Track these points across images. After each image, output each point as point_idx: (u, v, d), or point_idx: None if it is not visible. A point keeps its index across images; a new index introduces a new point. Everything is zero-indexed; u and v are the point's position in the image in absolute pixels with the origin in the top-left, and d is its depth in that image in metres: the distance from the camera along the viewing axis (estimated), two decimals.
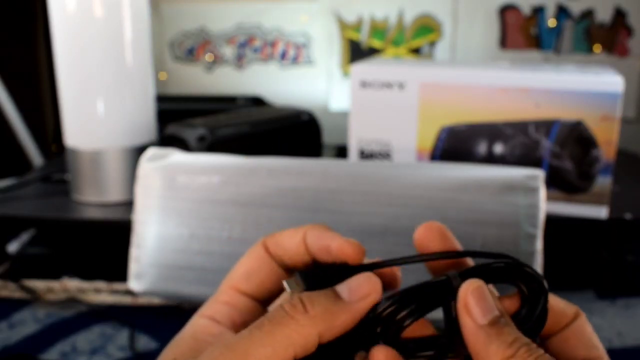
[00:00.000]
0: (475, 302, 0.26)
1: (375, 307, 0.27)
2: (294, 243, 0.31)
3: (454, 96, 0.69)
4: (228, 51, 1.16)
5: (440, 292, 0.27)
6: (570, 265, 0.80)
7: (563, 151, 0.67)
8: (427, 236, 0.30)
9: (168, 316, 0.68)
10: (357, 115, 0.72)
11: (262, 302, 0.32)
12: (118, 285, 0.72)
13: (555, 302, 0.29)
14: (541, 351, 0.25)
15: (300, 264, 0.31)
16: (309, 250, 0.30)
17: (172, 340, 0.30)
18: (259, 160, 0.60)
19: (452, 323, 0.27)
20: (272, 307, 0.30)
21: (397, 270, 0.30)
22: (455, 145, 0.70)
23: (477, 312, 0.26)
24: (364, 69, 0.71)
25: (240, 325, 0.30)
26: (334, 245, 0.29)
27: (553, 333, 0.29)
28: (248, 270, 0.31)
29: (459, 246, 0.31)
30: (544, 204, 0.53)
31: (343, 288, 0.27)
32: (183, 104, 1.08)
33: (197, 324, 0.30)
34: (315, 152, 0.89)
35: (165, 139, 0.77)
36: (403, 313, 0.27)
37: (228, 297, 0.31)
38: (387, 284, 0.30)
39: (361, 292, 0.27)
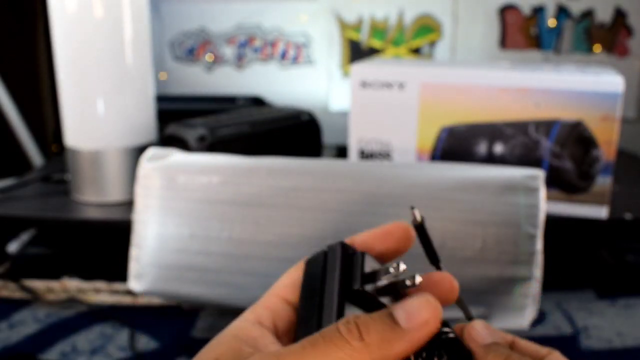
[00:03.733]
0: (478, 330, 0.29)
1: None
2: None
3: (454, 96, 0.69)
4: (228, 51, 1.16)
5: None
6: (570, 265, 0.79)
7: (563, 151, 0.67)
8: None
9: (168, 316, 0.68)
10: (357, 115, 0.72)
11: None
12: (118, 285, 0.72)
13: (527, 345, 0.30)
14: None
15: None
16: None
17: (212, 340, 0.30)
18: (258, 160, 0.60)
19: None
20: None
21: (453, 280, 0.30)
22: (455, 145, 0.70)
23: (479, 337, 0.29)
24: (364, 69, 0.71)
25: (282, 332, 0.30)
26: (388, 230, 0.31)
27: None
28: (294, 281, 0.31)
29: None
30: (544, 204, 0.53)
31: (400, 312, 0.26)
32: (183, 104, 1.08)
33: (239, 326, 0.30)
34: (315, 152, 0.89)
35: (165, 139, 0.77)
36: None
37: (271, 304, 0.31)
38: (443, 296, 0.29)
39: (420, 319, 0.26)
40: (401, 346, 0.25)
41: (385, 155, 0.72)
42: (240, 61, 1.16)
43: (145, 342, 0.63)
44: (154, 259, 0.58)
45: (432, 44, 1.12)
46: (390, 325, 0.26)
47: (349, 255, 0.30)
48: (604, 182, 0.67)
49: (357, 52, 1.13)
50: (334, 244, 0.30)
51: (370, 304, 0.29)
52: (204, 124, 0.77)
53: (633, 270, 0.78)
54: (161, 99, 0.91)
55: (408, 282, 0.27)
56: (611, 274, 0.79)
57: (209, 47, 1.16)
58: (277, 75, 1.16)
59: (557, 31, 1.10)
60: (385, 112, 0.71)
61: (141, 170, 0.59)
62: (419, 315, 0.26)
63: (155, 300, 0.70)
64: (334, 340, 0.25)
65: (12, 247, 0.81)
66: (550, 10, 1.09)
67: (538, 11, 1.10)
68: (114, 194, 0.76)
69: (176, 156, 0.61)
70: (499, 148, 0.69)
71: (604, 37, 1.09)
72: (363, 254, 0.30)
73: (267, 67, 1.16)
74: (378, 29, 1.12)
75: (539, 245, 0.53)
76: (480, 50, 1.12)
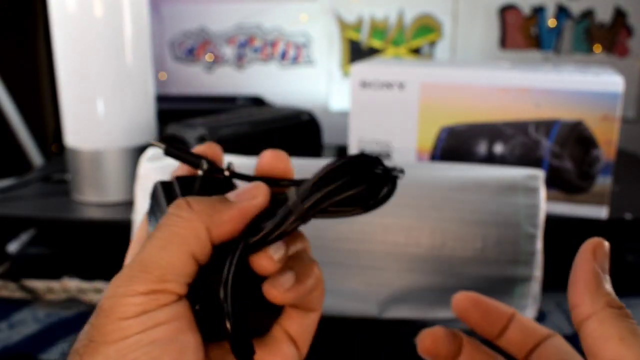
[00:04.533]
0: (600, 249, 0.30)
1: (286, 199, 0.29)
2: None
3: (454, 96, 0.69)
4: (228, 51, 1.16)
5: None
6: (570, 265, 0.79)
7: (563, 151, 0.67)
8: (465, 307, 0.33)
9: None
10: (357, 115, 0.72)
11: None
12: None
13: (527, 321, 0.33)
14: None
15: None
16: None
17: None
18: None
19: None
20: None
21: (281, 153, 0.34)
22: (455, 145, 0.70)
23: (600, 257, 0.30)
24: (364, 69, 0.71)
25: None
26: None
27: (531, 348, 0.32)
28: (140, 240, 0.34)
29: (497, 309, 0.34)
30: (544, 204, 0.53)
31: (230, 194, 0.29)
32: (183, 104, 1.08)
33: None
34: (315, 152, 0.89)
35: (165, 139, 0.77)
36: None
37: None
38: (277, 169, 0.33)
39: (247, 194, 0.29)
40: (230, 213, 0.28)
41: (385, 155, 0.72)
42: (240, 61, 1.16)
43: None
44: None
45: (432, 44, 1.12)
46: (219, 199, 0.29)
47: (168, 186, 0.32)
48: (604, 182, 0.67)
49: (357, 52, 1.13)
50: (154, 184, 0.33)
51: None
52: (204, 124, 0.77)
53: (633, 270, 0.78)
54: (161, 99, 0.91)
55: (205, 166, 0.32)
56: (611, 274, 0.79)
57: (209, 47, 1.16)
58: (277, 75, 1.16)
59: (557, 31, 1.10)
60: (385, 112, 0.71)
61: (141, 170, 0.59)
62: (247, 192, 0.29)
63: None
64: (168, 222, 0.28)
65: (12, 247, 0.81)
66: (550, 10, 1.09)
67: (538, 11, 1.10)
68: (114, 194, 0.76)
69: None
70: (499, 148, 0.69)
71: (604, 37, 1.09)
72: (177, 178, 0.33)
73: (267, 67, 1.16)
74: (378, 29, 1.12)
75: (539, 245, 0.53)
76: (480, 50, 1.12)
